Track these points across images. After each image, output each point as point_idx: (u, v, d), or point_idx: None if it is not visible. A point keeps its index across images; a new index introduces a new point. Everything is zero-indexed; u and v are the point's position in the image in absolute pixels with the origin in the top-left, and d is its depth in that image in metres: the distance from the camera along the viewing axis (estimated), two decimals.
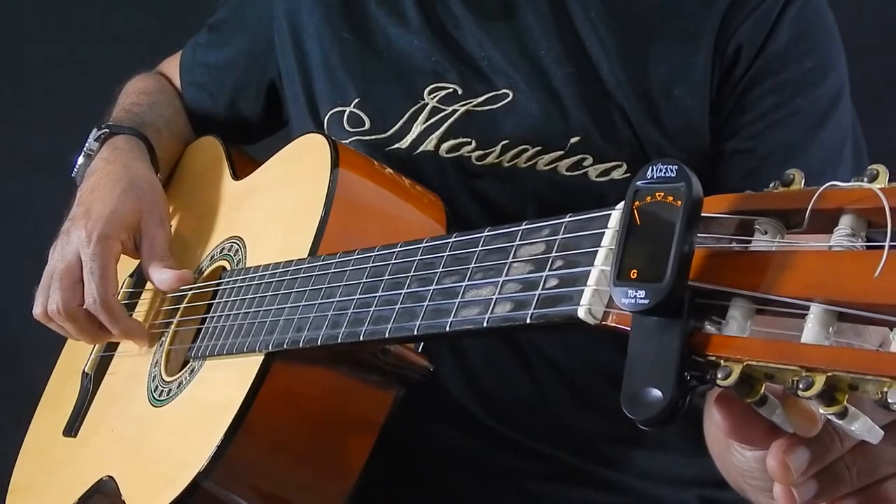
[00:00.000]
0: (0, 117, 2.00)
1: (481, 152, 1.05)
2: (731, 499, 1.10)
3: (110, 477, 1.04)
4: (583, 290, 0.61)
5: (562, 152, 1.03)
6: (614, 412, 1.06)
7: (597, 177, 1.03)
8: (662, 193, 0.56)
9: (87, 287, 1.08)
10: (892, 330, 0.49)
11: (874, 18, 1.69)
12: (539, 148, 1.03)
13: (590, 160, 1.03)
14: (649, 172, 0.57)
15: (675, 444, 1.10)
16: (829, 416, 0.51)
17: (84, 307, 1.09)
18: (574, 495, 1.08)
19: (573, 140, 1.03)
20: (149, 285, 1.18)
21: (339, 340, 0.80)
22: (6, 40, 2.02)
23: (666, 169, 0.56)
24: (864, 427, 0.52)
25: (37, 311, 1.13)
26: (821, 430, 0.55)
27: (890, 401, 0.47)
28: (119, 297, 1.20)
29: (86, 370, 1.20)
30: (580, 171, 1.03)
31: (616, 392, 0.57)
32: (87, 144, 1.23)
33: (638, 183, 0.57)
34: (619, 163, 1.02)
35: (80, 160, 1.22)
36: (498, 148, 1.05)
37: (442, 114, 1.07)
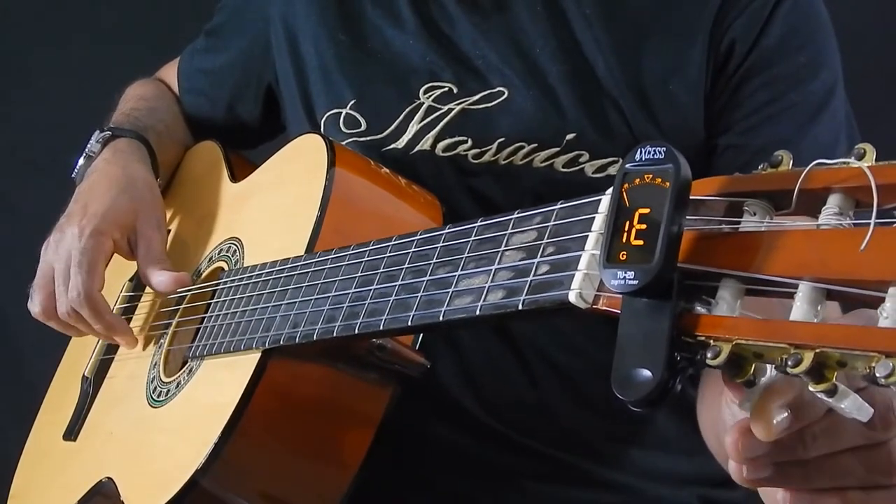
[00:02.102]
0: (0, 117, 2.01)
1: (477, 150, 1.06)
2: (731, 498, 1.10)
3: (109, 478, 1.04)
4: (573, 275, 0.61)
5: (558, 149, 1.03)
6: (614, 411, 1.07)
7: (593, 173, 1.03)
8: (651, 175, 0.56)
9: (72, 280, 1.08)
10: (880, 304, 0.49)
11: (873, 18, 1.70)
12: (535, 145, 1.04)
13: (586, 156, 1.03)
14: (638, 155, 0.57)
15: (674, 444, 1.10)
16: (819, 394, 0.51)
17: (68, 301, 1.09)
18: (573, 495, 1.07)
19: (569, 137, 1.03)
20: (148, 288, 1.18)
21: (335, 335, 0.80)
22: (6, 41, 2.03)
23: (654, 151, 0.56)
24: (853, 405, 0.52)
25: (35, 309, 1.12)
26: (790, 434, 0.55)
27: (878, 375, 0.47)
28: (119, 301, 1.21)
29: (85, 374, 1.21)
30: (576, 168, 1.03)
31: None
32: (88, 146, 1.23)
33: (627, 165, 0.57)
34: (615, 159, 1.02)
35: (81, 161, 1.23)
36: (494, 146, 1.05)
37: (437, 113, 1.07)
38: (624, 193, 0.57)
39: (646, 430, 1.09)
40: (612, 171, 1.03)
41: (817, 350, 0.49)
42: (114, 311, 1.18)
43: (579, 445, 1.08)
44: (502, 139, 1.05)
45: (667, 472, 1.10)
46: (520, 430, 1.07)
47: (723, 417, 0.66)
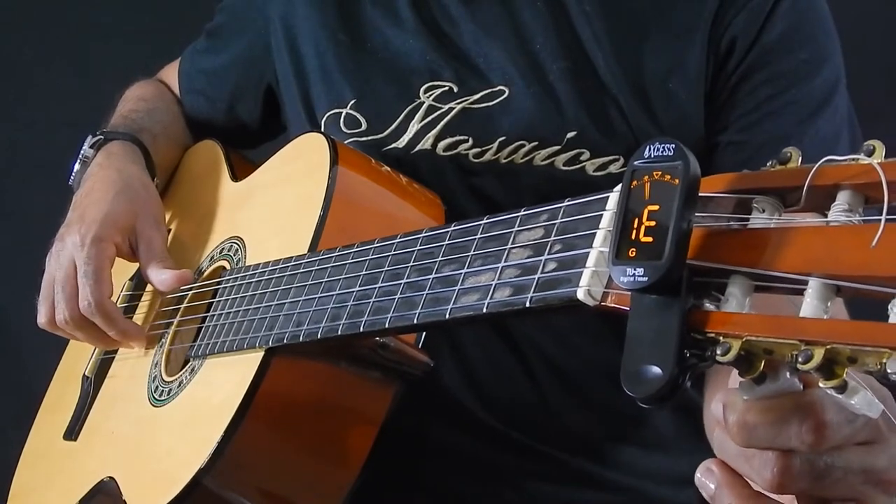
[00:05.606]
0: (0, 117, 2.01)
1: (478, 150, 1.06)
2: None
3: (111, 478, 1.04)
4: (582, 272, 0.61)
5: (558, 147, 1.03)
6: (614, 412, 1.07)
7: (594, 171, 1.03)
8: (660, 172, 0.56)
9: (81, 291, 1.08)
10: (891, 299, 0.49)
11: (874, 18, 1.70)
12: (536, 143, 1.04)
13: (587, 154, 1.03)
14: (647, 151, 0.57)
15: (674, 444, 1.10)
16: (829, 391, 0.51)
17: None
18: (573, 495, 1.07)
19: (570, 135, 1.03)
20: (149, 287, 1.18)
21: (340, 333, 0.80)
22: (6, 40, 2.03)
23: (663, 148, 0.56)
24: (863, 401, 0.52)
25: (41, 320, 1.12)
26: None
27: (889, 371, 0.47)
28: (119, 301, 1.20)
29: (86, 374, 1.21)
30: (577, 166, 1.03)
31: (616, 391, 0.57)
32: (82, 151, 1.23)
33: (635, 162, 0.57)
34: (616, 157, 1.02)
35: (77, 167, 1.23)
36: (495, 145, 1.05)
37: (438, 112, 1.07)
38: (632, 190, 0.57)
39: (646, 430, 1.09)
40: (612, 169, 1.03)
41: (828, 346, 0.49)
42: None
43: (580, 445, 1.08)
44: (503, 138, 1.05)
45: (667, 473, 1.10)
46: (520, 430, 1.07)
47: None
